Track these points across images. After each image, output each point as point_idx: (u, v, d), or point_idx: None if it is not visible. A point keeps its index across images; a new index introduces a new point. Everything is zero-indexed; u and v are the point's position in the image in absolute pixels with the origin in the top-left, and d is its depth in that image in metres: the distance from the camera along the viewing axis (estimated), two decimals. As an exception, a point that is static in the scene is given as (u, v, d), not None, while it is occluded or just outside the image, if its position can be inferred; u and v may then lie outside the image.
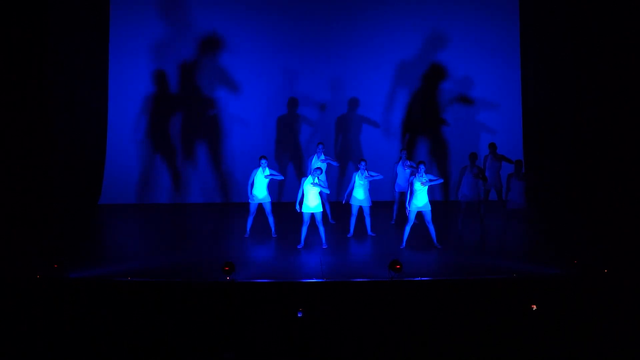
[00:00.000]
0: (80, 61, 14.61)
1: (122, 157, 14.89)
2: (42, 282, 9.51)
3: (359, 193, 11.68)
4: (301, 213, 11.33)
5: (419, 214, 11.47)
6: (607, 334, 8.07)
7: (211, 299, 9.09)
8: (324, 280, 9.84)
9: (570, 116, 14.91)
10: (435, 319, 8.51)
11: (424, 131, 15.26)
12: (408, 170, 12.27)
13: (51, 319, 8.46)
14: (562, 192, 14.84)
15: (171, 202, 15.00)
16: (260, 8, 14.80)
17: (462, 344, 7.91)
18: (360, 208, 11.94)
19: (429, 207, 11.26)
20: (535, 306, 8.65)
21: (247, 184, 11.92)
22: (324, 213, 11.72)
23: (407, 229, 11.43)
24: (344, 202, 12.17)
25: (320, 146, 12.63)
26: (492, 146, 12.62)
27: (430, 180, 11.14)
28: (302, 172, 14.78)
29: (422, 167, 11.17)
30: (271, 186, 12.26)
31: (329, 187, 11.67)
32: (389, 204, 13.60)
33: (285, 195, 14.89)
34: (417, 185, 11.14)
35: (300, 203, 11.28)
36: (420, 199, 11.20)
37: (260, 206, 11.96)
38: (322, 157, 12.51)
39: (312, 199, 11.17)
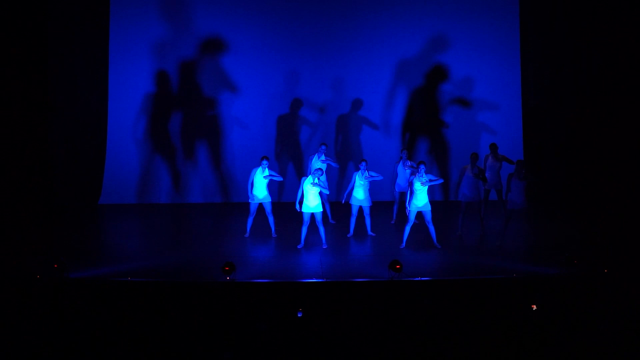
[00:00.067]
0: (80, 61, 14.60)
1: (122, 157, 14.89)
2: (42, 282, 9.51)
3: (359, 193, 11.68)
4: (301, 213, 11.33)
5: (419, 214, 11.48)
6: (607, 334, 8.06)
7: (211, 299, 9.09)
8: (324, 280, 9.84)
9: (570, 116, 14.90)
10: (435, 319, 8.51)
11: (424, 131, 15.26)
12: (408, 170, 12.28)
13: (51, 319, 8.46)
14: (562, 192, 14.84)
15: (171, 202, 15.01)
16: (261, 8, 14.79)
17: (462, 344, 7.91)
18: (360, 208, 11.94)
19: (429, 207, 11.27)
20: (535, 306, 8.66)
21: (247, 184, 11.93)
22: (324, 213, 11.72)
23: (407, 229, 11.44)
24: (343, 202, 12.17)
25: (323, 147, 12.62)
26: (493, 146, 12.61)
27: (430, 181, 11.15)
28: (302, 172, 14.78)
29: (422, 167, 11.18)
30: (271, 186, 12.26)
31: (328, 187, 11.67)
32: (389, 204, 13.61)
33: (285, 195, 14.90)
34: (417, 185, 11.14)
35: (300, 203, 11.28)
36: (420, 199, 11.21)
37: (260, 206, 11.97)
38: (323, 157, 12.51)
39: (312, 199, 11.17)
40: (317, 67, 14.97)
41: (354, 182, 11.69)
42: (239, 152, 15.08)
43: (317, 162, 12.46)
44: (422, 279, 9.72)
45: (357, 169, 11.87)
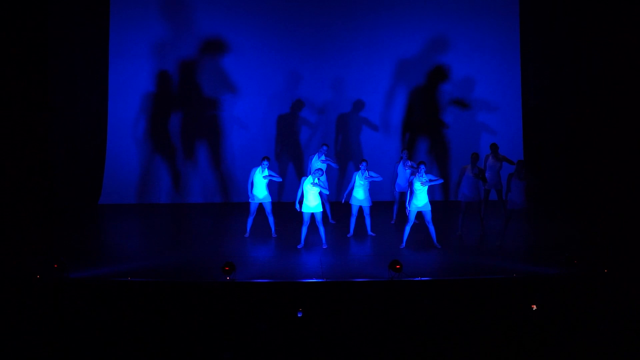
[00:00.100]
0: (80, 61, 14.60)
1: (122, 157, 14.89)
2: (42, 282, 9.51)
3: (359, 193, 11.68)
4: (301, 213, 11.33)
5: (419, 214, 11.48)
6: (607, 334, 8.06)
7: (211, 299, 9.09)
8: (324, 280, 9.84)
9: (570, 116, 14.90)
10: (435, 319, 8.51)
11: (424, 131, 15.26)
12: (408, 171, 12.28)
13: (51, 319, 8.46)
14: (562, 192, 14.84)
15: (171, 202, 15.00)
16: (261, 8, 14.79)
17: (462, 344, 7.91)
18: (360, 208, 11.94)
19: (429, 207, 11.27)
20: (535, 306, 8.66)
21: (247, 184, 11.93)
22: (324, 213, 11.72)
23: (407, 229, 11.44)
24: (343, 201, 12.17)
25: (325, 148, 12.61)
26: (494, 146, 12.61)
27: (430, 181, 11.15)
28: (302, 172, 14.78)
29: (422, 167, 11.18)
30: (271, 186, 12.26)
31: (328, 188, 11.66)
32: (389, 204, 13.61)
33: (285, 195, 14.90)
34: (417, 185, 11.15)
35: (300, 202, 11.28)
36: (420, 199, 11.21)
37: (260, 206, 11.96)
38: (323, 157, 12.51)
39: (312, 198, 11.17)
40: (317, 67, 14.97)
41: (354, 182, 11.69)
42: (239, 152, 15.08)
43: (317, 162, 12.46)
44: (422, 279, 9.72)
45: (357, 169, 11.86)
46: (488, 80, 15.09)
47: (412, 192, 11.28)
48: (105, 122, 14.84)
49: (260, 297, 9.24)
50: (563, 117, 14.95)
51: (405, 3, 14.93)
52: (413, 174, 11.42)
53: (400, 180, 12.63)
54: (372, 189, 11.95)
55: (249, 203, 11.95)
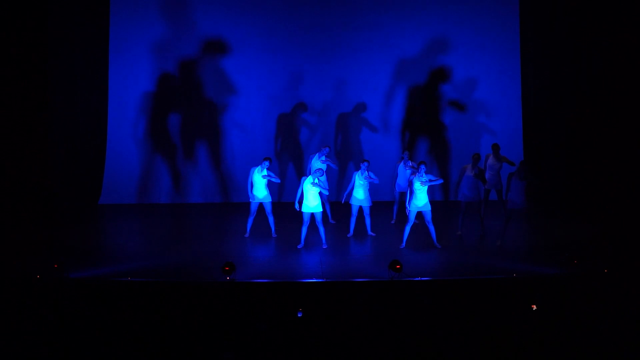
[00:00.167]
0: (80, 61, 14.60)
1: (122, 157, 14.89)
2: (42, 282, 9.51)
3: (359, 193, 11.68)
4: (301, 213, 11.33)
5: (419, 214, 11.48)
6: (607, 334, 8.06)
7: (211, 299, 9.09)
8: (324, 280, 9.84)
9: (570, 116, 14.90)
10: (435, 319, 8.51)
11: (424, 131, 15.26)
12: (409, 170, 12.28)
13: (51, 319, 8.46)
14: (562, 192, 14.84)
15: (171, 202, 15.01)
16: (261, 8, 14.79)
17: (462, 344, 7.91)
18: (360, 208, 11.94)
19: (429, 207, 11.27)
20: (535, 306, 8.65)
21: (247, 184, 11.92)
22: (324, 213, 11.71)
23: (407, 229, 11.44)
24: (343, 201, 12.17)
25: (327, 149, 12.59)
26: (496, 147, 12.59)
27: (430, 181, 11.15)
28: (302, 172, 14.78)
29: (422, 167, 11.18)
30: (271, 186, 12.25)
31: (328, 188, 11.66)
32: (389, 204, 13.61)
33: (285, 195, 14.90)
34: (417, 185, 11.14)
35: (300, 202, 11.28)
36: (420, 199, 11.21)
37: (260, 206, 11.96)
38: (323, 157, 12.50)
39: (311, 198, 11.16)
40: (318, 68, 14.97)
41: (354, 182, 11.68)
42: (239, 152, 15.08)
43: (317, 162, 12.45)
44: (422, 279, 9.72)
45: (358, 169, 11.86)
46: (488, 80, 15.09)
47: (412, 192, 11.27)
48: (105, 122, 14.84)
49: (260, 297, 9.24)
50: (563, 117, 14.96)
51: (405, 4, 14.93)
52: (413, 173, 11.42)
53: (401, 180, 12.63)
54: (372, 189, 11.95)
55: (249, 203, 11.95)
